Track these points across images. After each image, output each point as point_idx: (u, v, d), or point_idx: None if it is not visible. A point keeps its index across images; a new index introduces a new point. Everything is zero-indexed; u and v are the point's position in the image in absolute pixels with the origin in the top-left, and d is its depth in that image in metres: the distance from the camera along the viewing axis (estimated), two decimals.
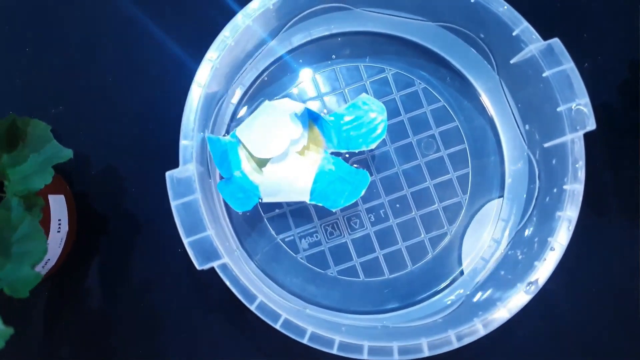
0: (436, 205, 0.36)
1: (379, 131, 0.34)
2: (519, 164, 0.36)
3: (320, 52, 0.38)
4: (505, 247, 0.34)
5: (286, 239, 0.36)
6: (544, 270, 0.29)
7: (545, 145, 0.32)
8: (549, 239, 0.30)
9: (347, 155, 0.36)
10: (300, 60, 0.38)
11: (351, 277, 0.36)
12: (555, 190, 0.31)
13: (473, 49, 0.36)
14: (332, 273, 0.36)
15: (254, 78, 0.38)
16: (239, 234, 0.36)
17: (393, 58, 0.37)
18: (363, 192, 0.33)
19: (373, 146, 0.34)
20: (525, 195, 0.35)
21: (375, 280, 0.35)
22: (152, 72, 0.38)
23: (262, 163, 0.33)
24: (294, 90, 0.37)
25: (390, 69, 0.37)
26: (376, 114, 0.34)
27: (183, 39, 0.38)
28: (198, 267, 0.28)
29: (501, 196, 0.36)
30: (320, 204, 0.33)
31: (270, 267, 0.36)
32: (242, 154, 0.34)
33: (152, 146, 0.37)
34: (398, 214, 0.36)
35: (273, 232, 0.36)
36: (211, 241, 0.29)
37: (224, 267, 0.29)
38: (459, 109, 0.37)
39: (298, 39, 0.38)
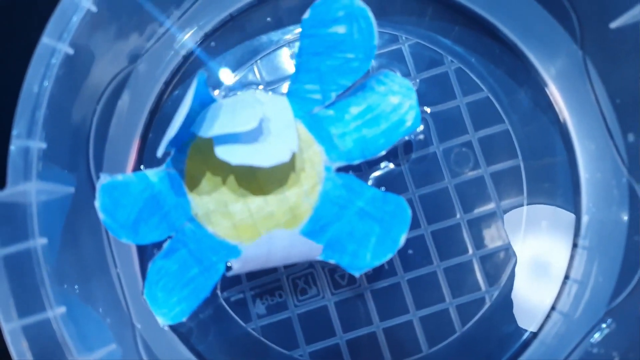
0: (470, 253, 0.24)
1: (408, 123, 0.23)
2: (610, 199, 0.23)
3: (296, 8, 0.26)
4: (587, 336, 0.22)
5: (232, 299, 0.24)
6: None
7: None
8: None
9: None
10: (268, 19, 0.25)
11: None
12: None
13: (539, 4, 0.24)
14: (301, 356, 0.24)
15: (199, 42, 0.25)
16: None
17: (411, 20, 0.26)
18: (403, 239, 0.21)
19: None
20: (622, 252, 0.22)
21: None
22: None
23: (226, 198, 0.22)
24: (254, 69, 0.25)
25: (406, 38, 0.25)
26: (399, 97, 0.23)
27: None
28: None
29: (575, 245, 0.24)
30: (332, 262, 0.22)
31: (205, 343, 0.24)
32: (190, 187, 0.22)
33: None
34: (410, 264, 0.24)
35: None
36: (53, 330, 0.16)
37: None
38: (510, 104, 0.25)
39: None
